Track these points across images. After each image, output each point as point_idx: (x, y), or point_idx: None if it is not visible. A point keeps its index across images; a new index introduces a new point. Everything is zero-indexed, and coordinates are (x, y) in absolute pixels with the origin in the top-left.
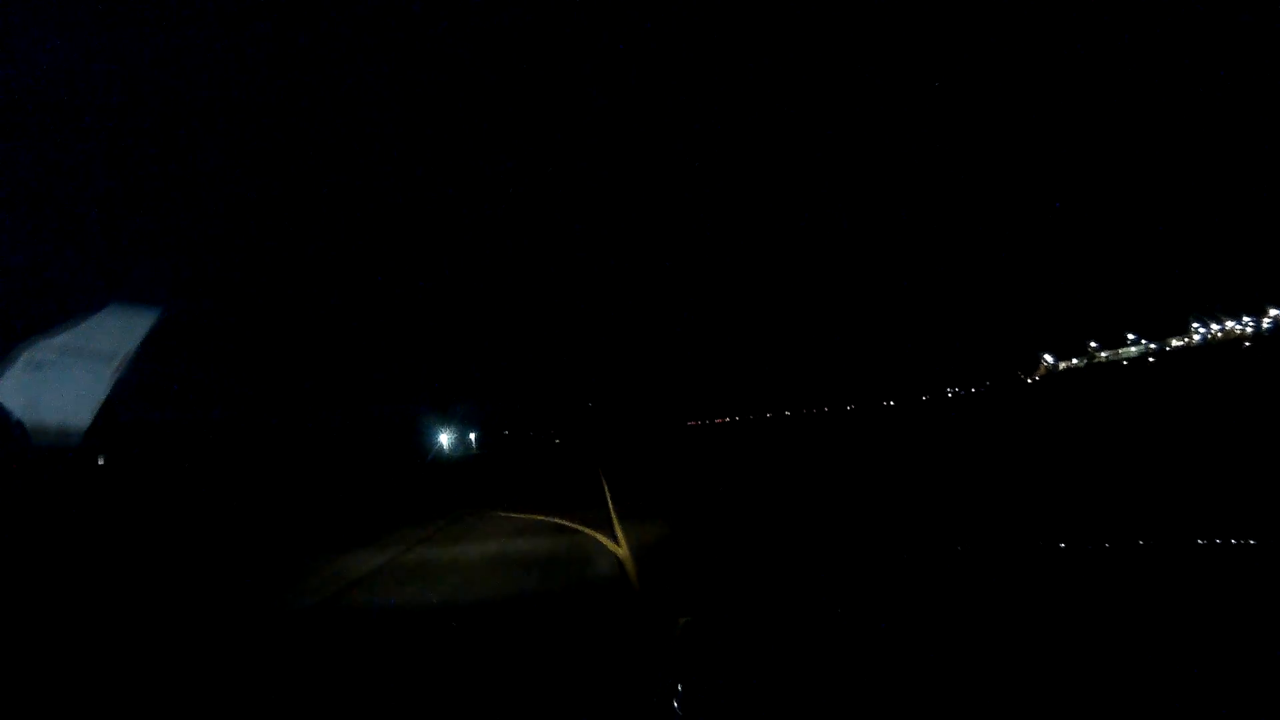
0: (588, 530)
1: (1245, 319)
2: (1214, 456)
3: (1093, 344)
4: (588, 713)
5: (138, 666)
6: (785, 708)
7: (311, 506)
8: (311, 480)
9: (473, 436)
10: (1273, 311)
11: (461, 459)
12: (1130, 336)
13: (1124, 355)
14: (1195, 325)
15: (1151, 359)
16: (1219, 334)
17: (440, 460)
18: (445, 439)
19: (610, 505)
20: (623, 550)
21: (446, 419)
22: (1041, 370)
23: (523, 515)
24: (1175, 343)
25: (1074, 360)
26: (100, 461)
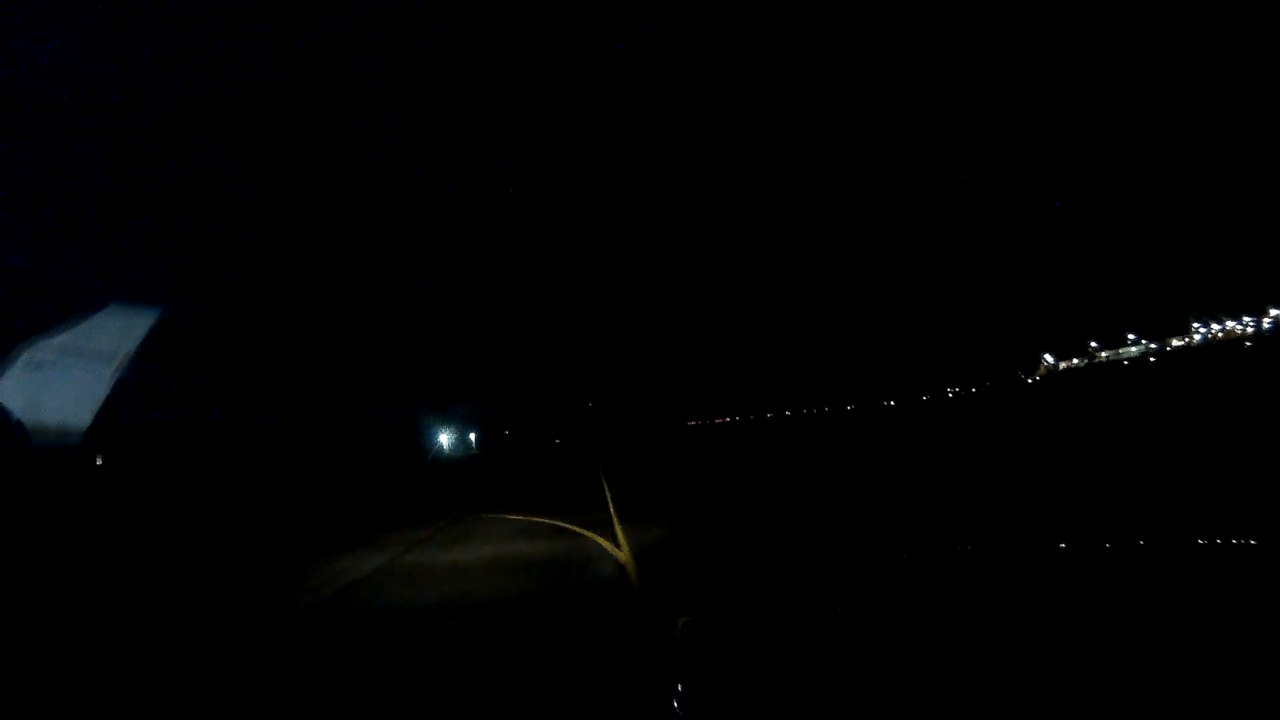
0: (588, 533)
1: (1245, 319)
2: (1214, 456)
3: (1093, 344)
4: (587, 715)
5: (127, 668)
6: (785, 708)
7: (310, 507)
8: (311, 480)
9: (472, 437)
10: (1273, 311)
11: (461, 459)
12: (1131, 336)
13: (1124, 355)
14: (1195, 325)
15: (1152, 359)
16: (1219, 334)
17: (440, 460)
18: (445, 439)
19: (611, 507)
20: (624, 554)
21: (446, 419)
22: (1042, 370)
23: (522, 517)
24: (1176, 343)
25: (1074, 360)
26: (99, 461)
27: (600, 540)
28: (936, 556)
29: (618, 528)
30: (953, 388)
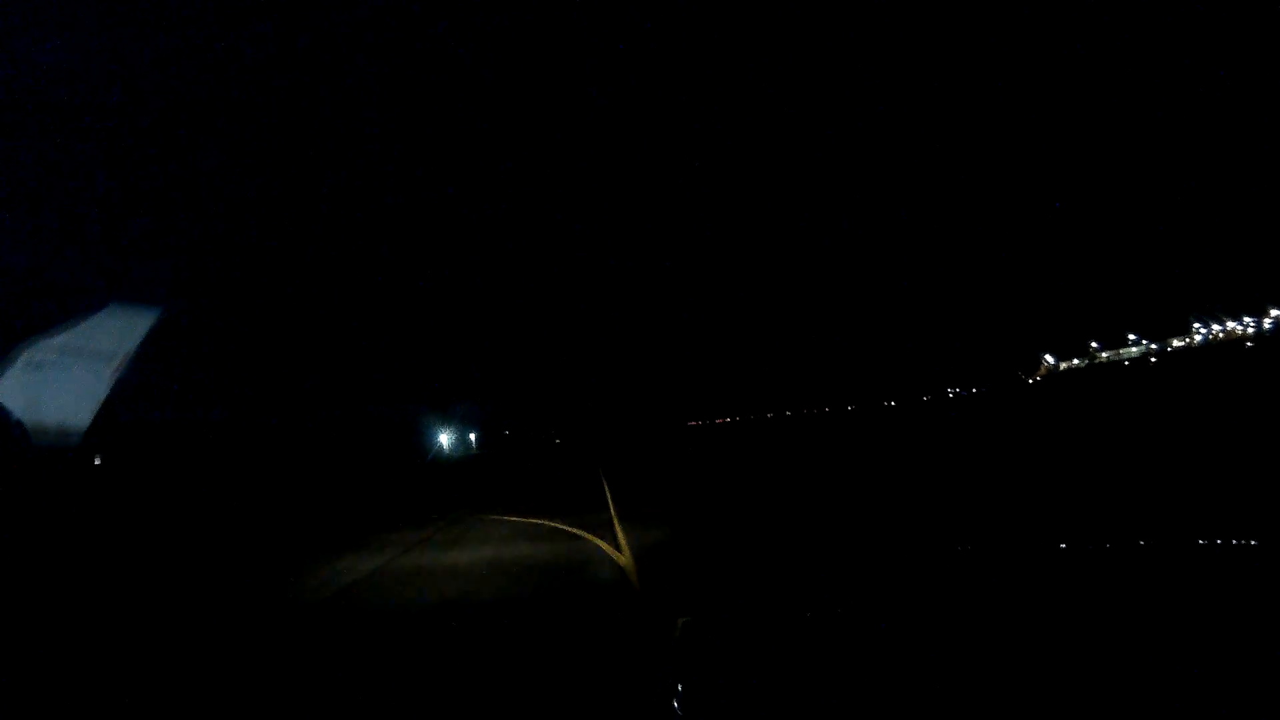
0: (589, 535)
1: (1246, 319)
2: (1214, 457)
3: (1094, 344)
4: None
5: (122, 668)
6: (785, 708)
7: (309, 507)
8: (310, 481)
9: (472, 437)
10: (1274, 311)
11: (461, 459)
12: (1131, 337)
13: (1125, 355)
14: (1196, 325)
15: (1153, 359)
16: (1220, 334)
17: (440, 460)
18: (445, 439)
19: (612, 508)
20: (625, 558)
21: (446, 419)
22: (1042, 371)
23: (522, 519)
24: (1176, 343)
25: (1075, 360)
26: (97, 462)
27: (600, 543)
28: (936, 556)
29: (619, 530)
30: (953, 388)
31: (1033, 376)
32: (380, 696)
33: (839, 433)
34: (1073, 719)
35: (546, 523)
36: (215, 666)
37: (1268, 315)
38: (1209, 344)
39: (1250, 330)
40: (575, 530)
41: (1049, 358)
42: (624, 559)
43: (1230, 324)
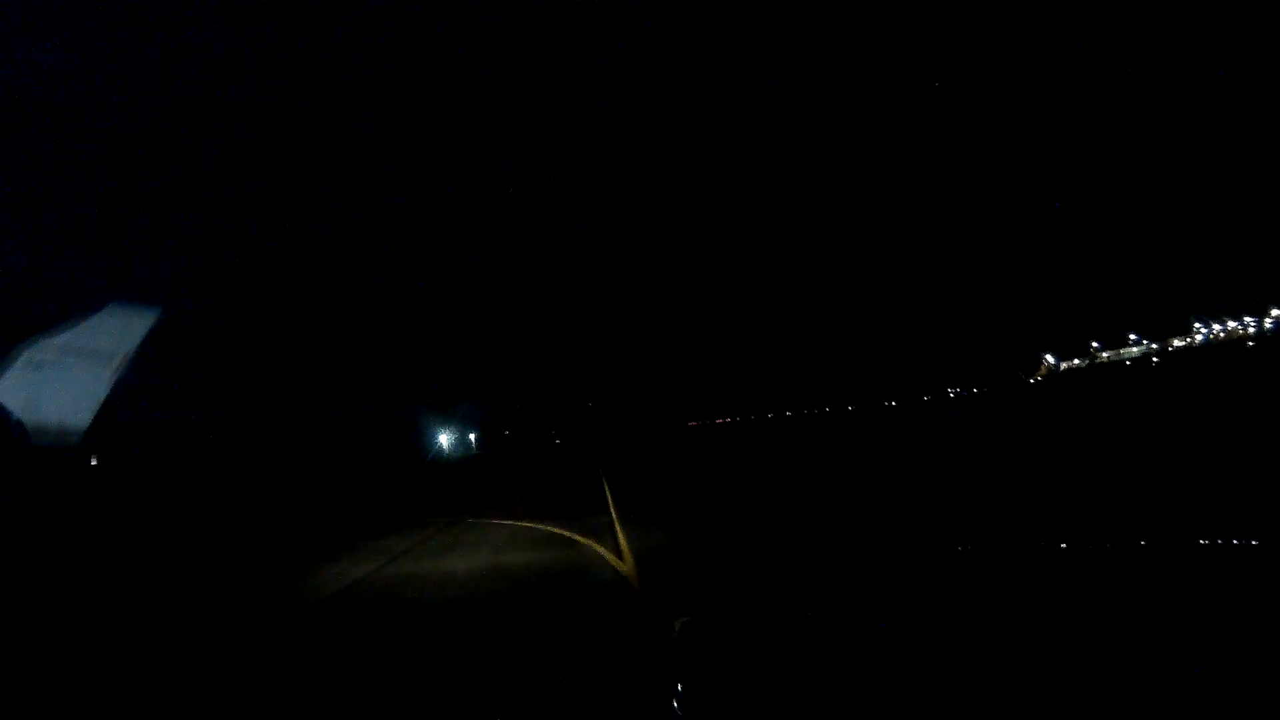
0: (589, 540)
1: (1247, 319)
2: (1214, 457)
3: (1094, 344)
4: None
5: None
6: (785, 708)
7: (305, 509)
8: (309, 481)
9: (472, 437)
10: (1274, 311)
11: (461, 459)
12: (1132, 336)
13: (1126, 355)
14: (1197, 325)
15: (1155, 359)
16: (1221, 334)
17: (440, 460)
18: (445, 439)
19: (613, 511)
20: (626, 565)
21: (446, 419)
22: (1043, 371)
23: (520, 522)
24: (1177, 343)
25: (1075, 360)
26: (94, 462)
27: (601, 549)
28: (936, 556)
29: (620, 534)
30: (953, 388)
31: (1033, 376)
32: (367, 710)
33: (839, 433)
34: (1073, 719)
35: (545, 527)
36: (179, 678)
37: (1268, 315)
38: (1210, 344)
39: (1251, 330)
40: (575, 535)
41: (1049, 358)
42: (625, 566)
43: (1231, 324)
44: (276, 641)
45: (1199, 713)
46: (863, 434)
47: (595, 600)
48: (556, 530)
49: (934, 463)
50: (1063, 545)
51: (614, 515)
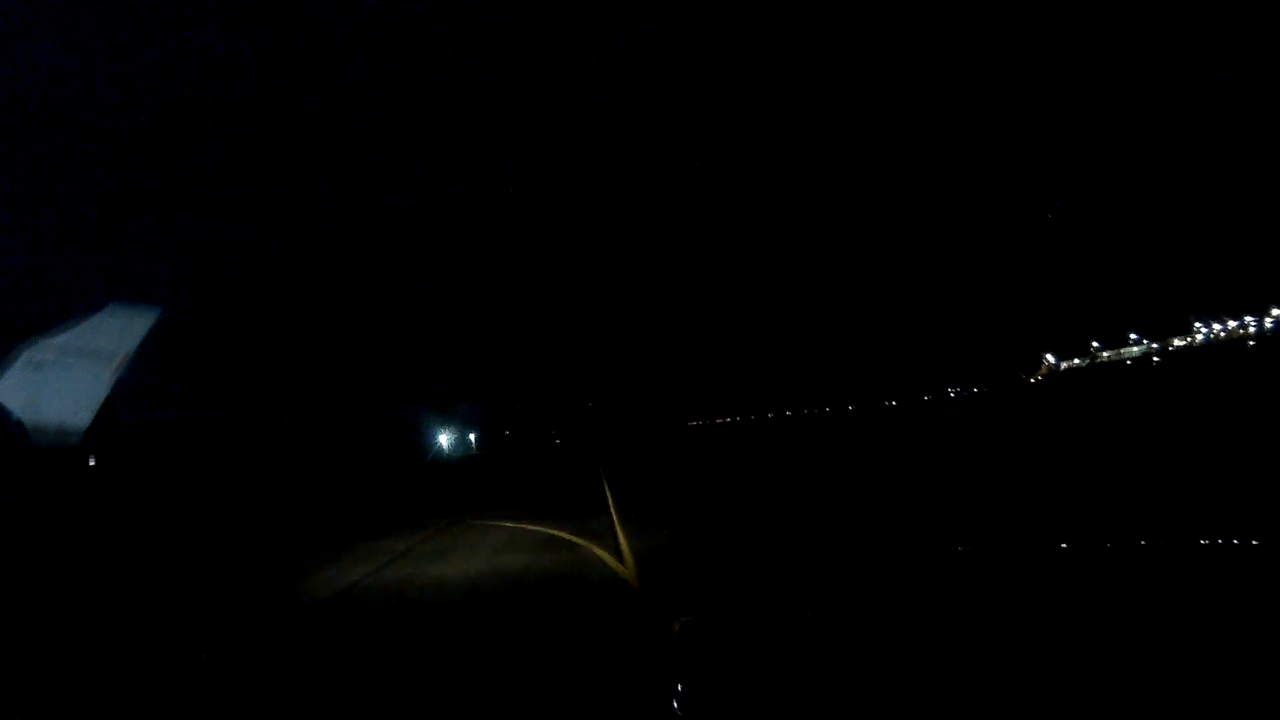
0: (589, 543)
1: (1247, 318)
2: (1215, 456)
3: (1094, 344)
4: None
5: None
6: (785, 708)
7: (302, 510)
8: (306, 482)
9: (472, 437)
10: (1275, 311)
11: (461, 460)
12: (1132, 336)
13: (1126, 355)
14: (1197, 325)
15: (1155, 359)
16: (1221, 334)
17: (440, 460)
18: (445, 439)
19: (613, 512)
20: (628, 569)
21: (446, 419)
22: (1043, 370)
23: (519, 524)
24: (1178, 342)
25: (1076, 360)
26: (91, 462)
27: (601, 552)
28: (936, 556)
29: (621, 537)
30: (954, 388)
31: (1034, 376)
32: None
33: (839, 433)
34: (1073, 719)
35: (545, 529)
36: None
37: (1269, 314)
38: (1210, 343)
39: (1252, 329)
40: (575, 537)
41: (1050, 357)
42: (626, 569)
43: (1231, 323)
44: (269, 646)
45: (1199, 713)
46: (863, 434)
47: (596, 605)
48: (556, 532)
49: (934, 463)
50: (1063, 545)
51: (614, 517)
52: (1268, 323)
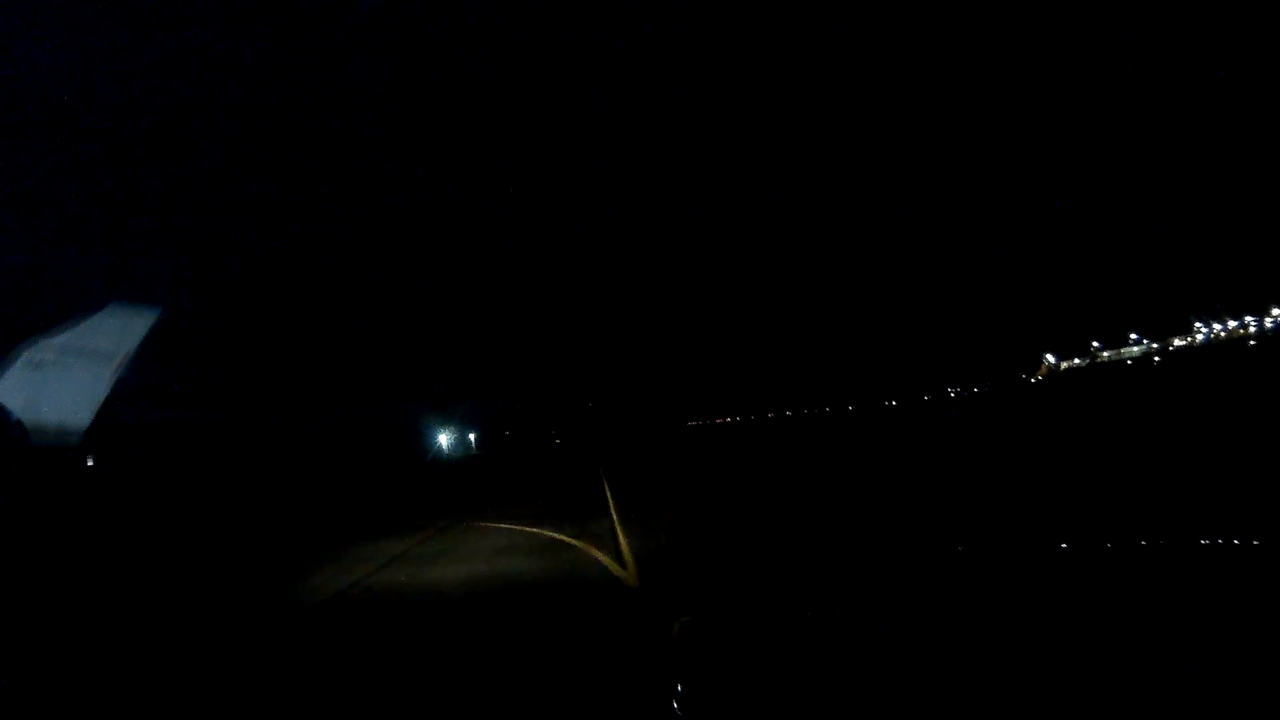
0: (589, 546)
1: (1248, 318)
2: (1215, 456)
3: (1095, 343)
4: None
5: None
6: (785, 708)
7: (301, 510)
8: (305, 483)
9: (472, 437)
10: (1275, 310)
11: (460, 460)
12: (1133, 336)
13: (1126, 355)
14: (1197, 325)
15: (1156, 359)
16: (1221, 333)
17: (440, 461)
18: (445, 439)
19: (614, 514)
20: (629, 574)
21: (446, 419)
22: (1043, 370)
23: (517, 526)
24: (1178, 342)
25: (1076, 360)
26: (90, 463)
27: (602, 556)
28: (936, 556)
29: (622, 540)
30: (954, 388)
31: (1034, 376)
32: None
33: (839, 433)
34: (1073, 719)
35: (545, 531)
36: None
37: (1269, 314)
38: (1210, 343)
39: (1252, 329)
40: (574, 540)
41: (1050, 357)
42: (628, 574)
43: (1231, 323)
44: (261, 651)
45: (1199, 713)
46: (863, 434)
47: (596, 611)
48: (556, 535)
49: (934, 462)
50: (1063, 545)
51: (615, 519)
52: (1268, 322)
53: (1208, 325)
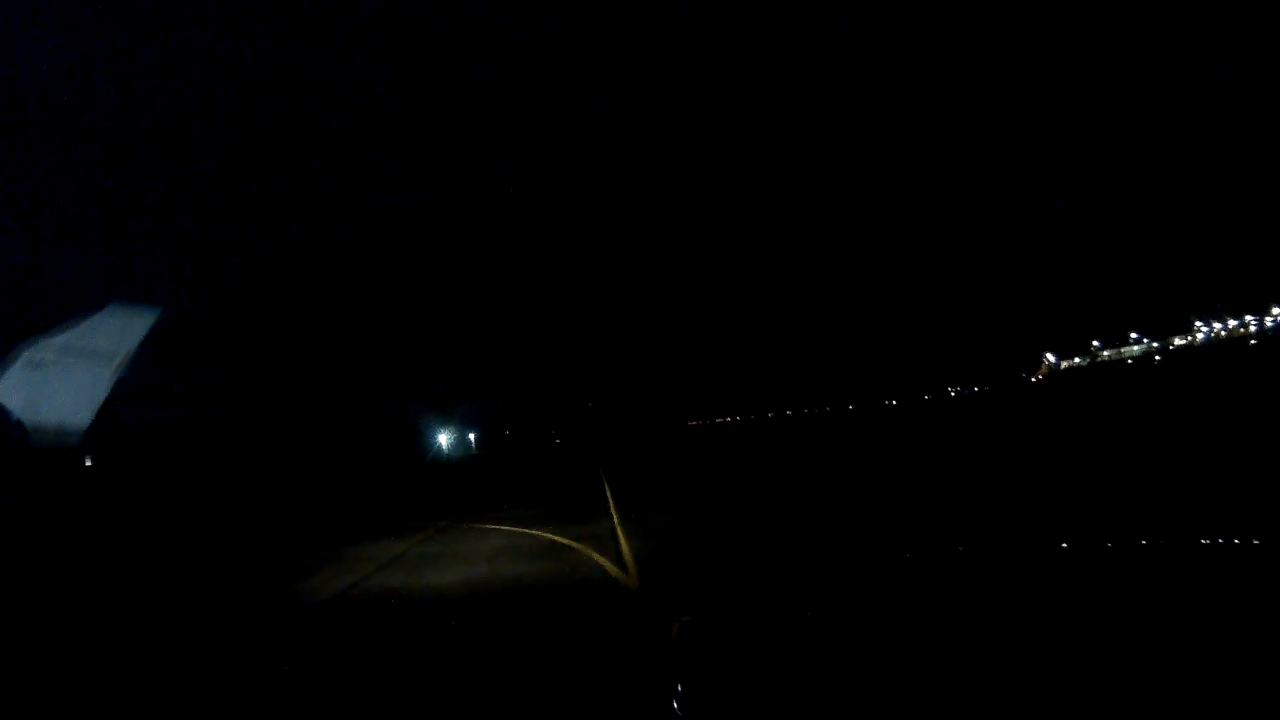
0: (589, 550)
1: (1248, 317)
2: (1215, 456)
3: (1095, 343)
4: None
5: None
6: (785, 708)
7: (300, 510)
8: (303, 484)
9: (472, 437)
10: (1275, 309)
11: (460, 460)
12: (1133, 335)
13: (1127, 354)
14: (1198, 324)
15: (1157, 358)
16: (1222, 332)
17: (440, 461)
18: (445, 439)
19: (614, 516)
20: (631, 577)
21: (446, 419)
22: (1044, 369)
23: (516, 528)
24: (1178, 341)
25: (1076, 359)
26: (88, 463)
27: (602, 559)
28: (936, 556)
29: (623, 543)
30: (954, 387)
31: (1034, 375)
32: None
33: (839, 432)
34: (1073, 719)
35: (545, 533)
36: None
37: (1269, 313)
38: (1211, 342)
39: (1252, 328)
40: (573, 543)
41: (1050, 356)
42: (629, 578)
43: (1232, 322)
44: (260, 651)
45: (1199, 713)
46: (863, 433)
47: (597, 616)
48: (556, 537)
49: (934, 462)
50: (1063, 545)
51: (616, 521)
52: (1268, 321)
53: (1208, 324)
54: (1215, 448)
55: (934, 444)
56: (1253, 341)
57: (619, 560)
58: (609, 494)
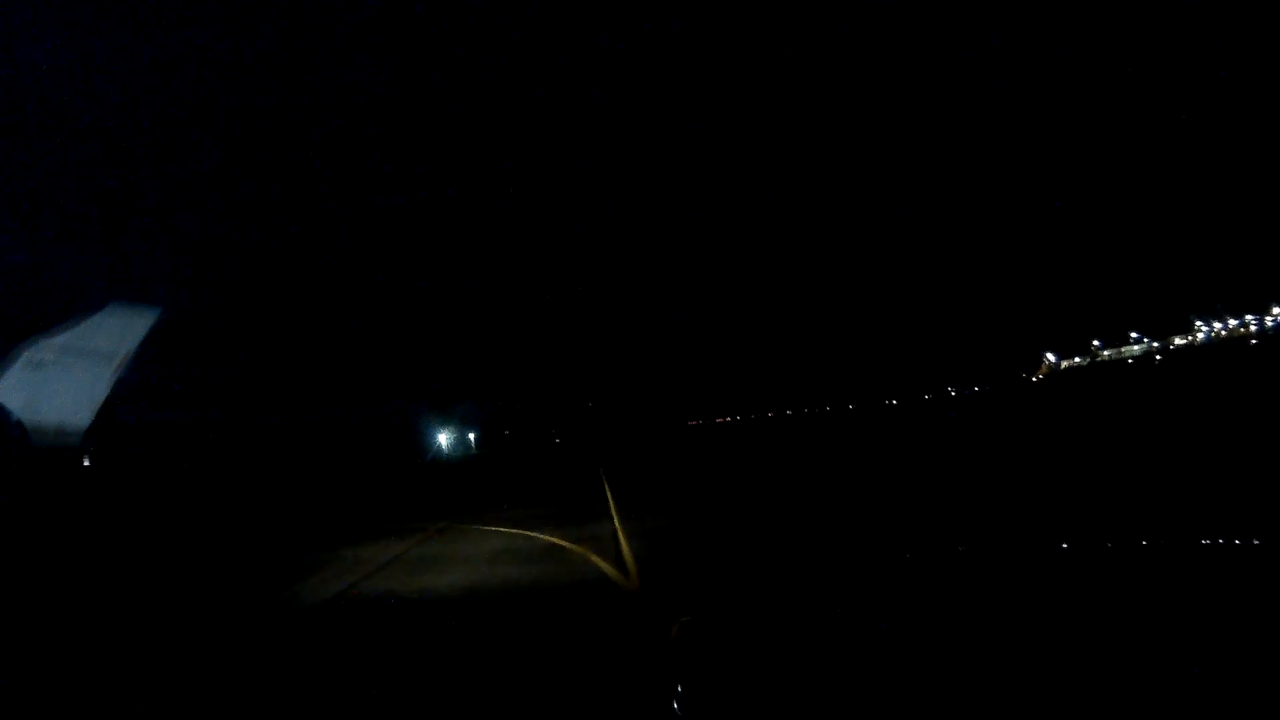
0: (589, 552)
1: (1248, 317)
2: (1215, 456)
3: (1095, 342)
4: None
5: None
6: (785, 708)
7: (299, 511)
8: (302, 484)
9: (472, 437)
10: (1276, 309)
11: (460, 460)
12: (1133, 335)
13: (1127, 354)
14: (1198, 323)
15: (1158, 358)
16: (1222, 332)
17: (439, 460)
18: (444, 439)
19: (615, 518)
20: (631, 580)
21: (446, 419)
22: (1044, 369)
23: (515, 529)
24: (1178, 341)
25: (1076, 359)
26: (86, 463)
27: (602, 563)
28: (936, 556)
29: (624, 545)
30: (954, 387)
31: (1035, 375)
32: None
33: (839, 432)
34: (1073, 719)
35: (544, 535)
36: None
37: (1270, 313)
38: (1211, 342)
39: (1253, 328)
40: (573, 545)
41: (1051, 356)
42: (630, 582)
43: (1232, 322)
44: (259, 652)
45: (1199, 713)
46: (863, 433)
47: (597, 619)
48: (556, 539)
49: (934, 462)
50: (1063, 545)
51: (616, 522)
52: (1269, 321)
53: (1208, 324)
54: (1215, 447)
55: (934, 444)
56: (1253, 341)
57: (619, 562)
58: (609, 495)
